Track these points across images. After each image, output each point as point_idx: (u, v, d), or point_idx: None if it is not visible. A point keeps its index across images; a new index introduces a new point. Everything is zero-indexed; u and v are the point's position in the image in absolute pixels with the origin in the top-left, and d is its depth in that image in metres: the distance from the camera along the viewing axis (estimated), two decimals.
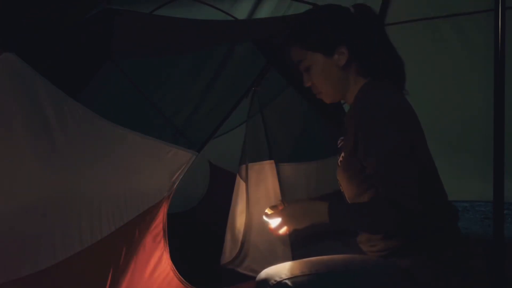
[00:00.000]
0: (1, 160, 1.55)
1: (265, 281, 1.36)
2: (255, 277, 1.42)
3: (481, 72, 2.10)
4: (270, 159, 2.04)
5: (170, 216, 1.57)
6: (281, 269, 1.38)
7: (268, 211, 1.58)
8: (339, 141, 1.59)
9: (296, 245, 1.86)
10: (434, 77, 2.84)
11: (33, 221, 1.50)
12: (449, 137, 2.78)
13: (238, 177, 2.02)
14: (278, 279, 1.35)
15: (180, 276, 1.62)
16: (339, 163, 1.49)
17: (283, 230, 1.53)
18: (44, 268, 1.46)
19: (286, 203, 1.59)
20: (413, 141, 1.34)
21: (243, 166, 2.01)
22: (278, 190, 2.00)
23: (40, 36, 2.01)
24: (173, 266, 1.61)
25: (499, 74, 1.62)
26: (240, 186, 2.00)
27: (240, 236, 1.98)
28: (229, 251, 2.01)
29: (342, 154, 1.46)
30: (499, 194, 1.62)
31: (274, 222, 1.53)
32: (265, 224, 1.58)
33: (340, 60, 1.43)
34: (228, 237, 2.01)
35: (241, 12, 3.14)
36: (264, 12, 3.14)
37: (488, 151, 1.70)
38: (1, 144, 1.56)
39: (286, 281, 1.33)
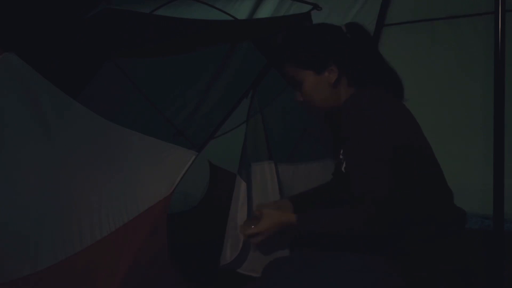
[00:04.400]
0: (1, 160, 1.55)
1: (268, 278, 1.36)
2: (255, 277, 1.42)
3: (481, 75, 2.10)
4: (269, 159, 2.04)
5: (170, 216, 1.57)
6: (283, 267, 1.38)
7: (245, 227, 1.56)
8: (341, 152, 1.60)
9: (295, 245, 1.86)
10: (432, 79, 2.83)
11: (33, 221, 1.50)
12: (447, 140, 2.77)
13: (238, 177, 2.01)
14: (279, 275, 1.35)
15: (180, 276, 1.62)
16: (344, 170, 1.49)
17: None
18: (44, 268, 1.46)
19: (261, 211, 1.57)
20: (402, 145, 1.34)
21: (243, 166, 2.00)
22: (277, 191, 2.00)
23: (40, 36, 2.01)
24: (173, 266, 1.61)
25: (499, 77, 1.61)
26: (240, 186, 2.00)
27: (241, 236, 1.97)
28: (229, 252, 2.00)
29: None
30: (499, 194, 1.62)
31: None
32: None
33: (330, 77, 1.45)
34: (228, 237, 2.01)
35: (241, 12, 3.14)
36: (264, 12, 3.14)
37: (487, 153, 1.70)
38: (0, 144, 1.56)
39: (288, 278, 1.34)
